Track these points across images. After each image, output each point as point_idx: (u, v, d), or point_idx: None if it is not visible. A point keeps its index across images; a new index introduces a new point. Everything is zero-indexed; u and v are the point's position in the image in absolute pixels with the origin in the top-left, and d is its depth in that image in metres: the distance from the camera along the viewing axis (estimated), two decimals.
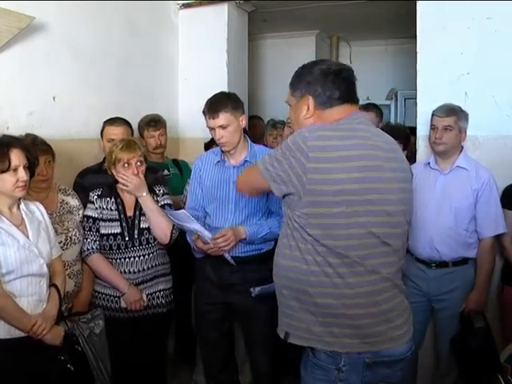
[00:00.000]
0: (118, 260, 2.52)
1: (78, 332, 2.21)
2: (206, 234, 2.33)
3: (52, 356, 2.04)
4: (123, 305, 2.51)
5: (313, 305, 1.62)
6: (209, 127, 2.47)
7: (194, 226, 2.32)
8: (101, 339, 2.29)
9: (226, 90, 3.26)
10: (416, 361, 2.85)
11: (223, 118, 2.40)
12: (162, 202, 2.61)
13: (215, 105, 2.43)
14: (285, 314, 1.71)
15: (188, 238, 2.56)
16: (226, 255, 2.40)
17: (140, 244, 2.52)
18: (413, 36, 3.16)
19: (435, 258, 2.67)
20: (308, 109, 1.68)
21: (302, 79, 1.70)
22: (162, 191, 2.65)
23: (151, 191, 2.61)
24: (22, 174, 1.96)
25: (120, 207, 2.54)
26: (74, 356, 2.09)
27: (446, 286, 2.66)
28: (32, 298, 2.01)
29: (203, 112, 2.47)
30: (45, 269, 2.05)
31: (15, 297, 1.97)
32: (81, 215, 2.54)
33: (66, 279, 2.25)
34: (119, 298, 2.51)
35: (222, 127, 2.40)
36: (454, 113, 2.66)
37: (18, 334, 1.97)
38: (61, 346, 2.08)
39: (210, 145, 3.16)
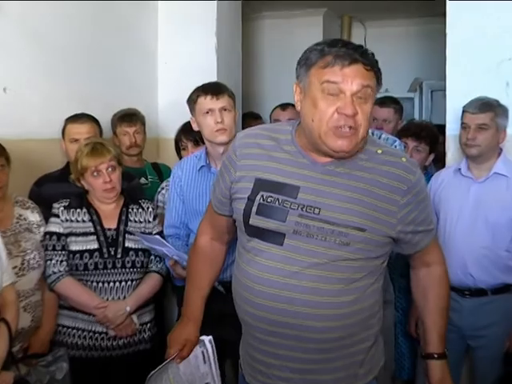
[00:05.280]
0: (95, 283, 2.39)
1: (35, 378, 2.08)
2: (184, 258, 2.27)
3: None
4: (100, 343, 2.41)
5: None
6: (206, 109, 2.33)
7: (169, 250, 2.27)
8: None
9: (215, 80, 3.23)
10: None
11: (227, 100, 2.36)
12: (156, 230, 2.56)
13: (217, 85, 2.42)
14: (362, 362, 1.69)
15: (166, 262, 2.49)
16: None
17: (123, 266, 2.42)
18: (441, 14, 3.05)
19: (469, 284, 2.58)
20: None
21: None
22: (150, 210, 2.59)
23: (135, 202, 2.56)
24: None
25: (95, 217, 2.45)
26: None
27: (484, 319, 2.57)
28: None
29: (196, 96, 2.36)
30: None
31: None
32: (42, 233, 2.42)
33: (19, 312, 2.12)
34: (94, 332, 2.41)
35: (225, 109, 2.34)
36: (489, 108, 2.56)
37: None
38: None
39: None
